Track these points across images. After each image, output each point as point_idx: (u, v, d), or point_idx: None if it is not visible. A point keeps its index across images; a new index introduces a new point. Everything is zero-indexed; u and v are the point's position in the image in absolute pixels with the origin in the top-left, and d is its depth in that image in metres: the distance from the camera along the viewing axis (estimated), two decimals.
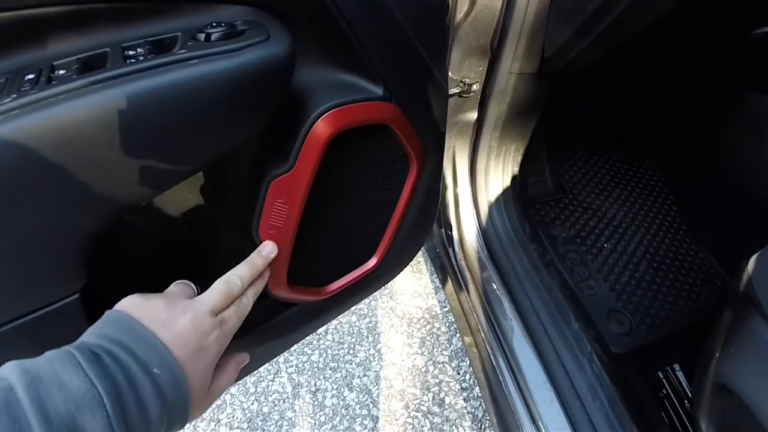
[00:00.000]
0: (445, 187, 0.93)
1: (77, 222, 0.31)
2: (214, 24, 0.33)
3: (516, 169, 0.92)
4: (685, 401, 0.71)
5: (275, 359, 1.18)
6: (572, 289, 0.83)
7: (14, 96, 0.27)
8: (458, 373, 1.16)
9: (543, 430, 0.68)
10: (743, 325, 0.51)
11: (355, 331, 1.25)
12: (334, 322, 1.27)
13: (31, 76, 0.29)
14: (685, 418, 0.69)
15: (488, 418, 1.07)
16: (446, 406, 1.11)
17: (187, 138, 0.32)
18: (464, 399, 1.11)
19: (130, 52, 0.31)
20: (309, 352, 1.21)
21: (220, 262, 0.43)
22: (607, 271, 0.91)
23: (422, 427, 1.07)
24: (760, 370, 0.48)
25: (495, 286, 0.82)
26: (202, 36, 0.32)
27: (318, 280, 0.56)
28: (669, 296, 0.87)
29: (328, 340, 1.23)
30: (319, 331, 1.24)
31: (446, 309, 1.29)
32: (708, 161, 1.03)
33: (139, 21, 0.33)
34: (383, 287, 1.31)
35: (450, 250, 0.97)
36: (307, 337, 1.22)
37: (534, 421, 0.70)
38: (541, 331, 0.72)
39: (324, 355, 1.20)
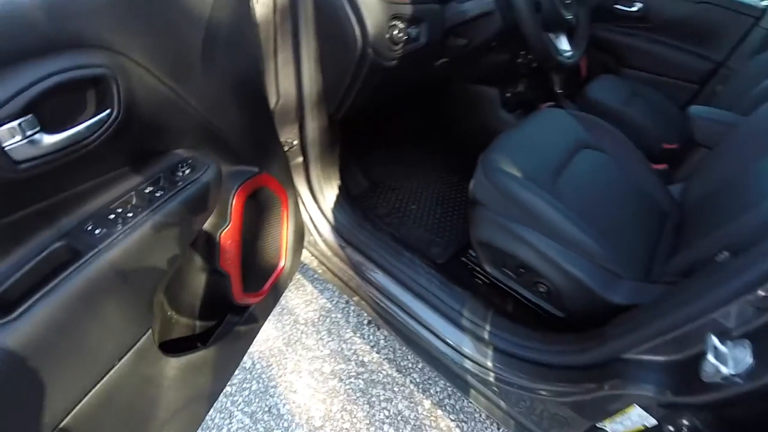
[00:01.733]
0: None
1: None
2: (180, 164, 0.73)
3: (339, 183, 1.45)
4: (479, 266, 1.34)
5: (222, 405, 1.45)
6: (400, 239, 1.39)
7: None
8: (363, 338, 1.63)
9: (420, 319, 1.21)
10: (476, 213, 1.13)
11: (276, 351, 1.60)
12: (257, 354, 1.59)
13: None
14: (483, 276, 1.33)
15: (396, 347, 1.57)
16: (367, 363, 1.57)
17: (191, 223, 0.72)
18: (376, 351, 1.59)
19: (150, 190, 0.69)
20: (247, 385, 1.51)
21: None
22: (419, 222, 1.52)
23: (358, 386, 1.51)
24: (492, 231, 1.10)
25: (355, 257, 1.32)
26: (178, 172, 0.71)
27: (257, 286, 0.97)
28: (458, 222, 1.52)
29: (258, 369, 1.55)
30: (248, 364, 1.56)
31: (334, 302, 1.74)
32: (453, 131, 1.76)
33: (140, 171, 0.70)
34: (281, 311, 1.70)
35: (318, 249, 1.44)
36: (240, 374, 1.52)
37: (413, 317, 1.22)
38: (392, 267, 1.25)
39: (261, 381, 1.52)
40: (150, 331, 0.71)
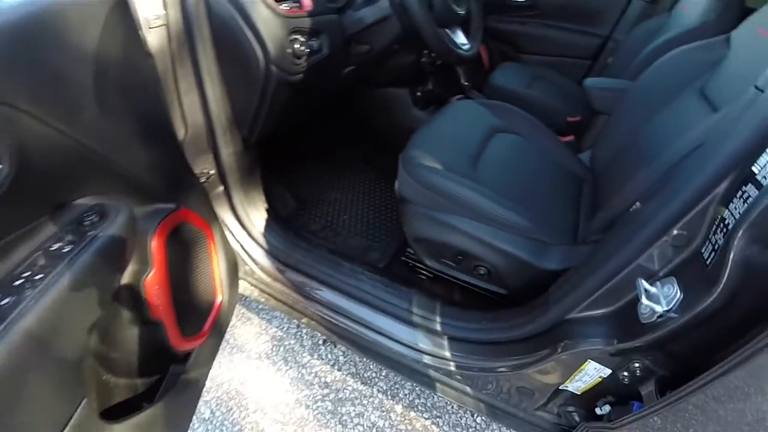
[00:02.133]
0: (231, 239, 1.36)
1: None
2: (87, 213, 0.68)
3: (266, 206, 1.42)
4: (419, 262, 1.38)
5: None
6: (337, 251, 1.40)
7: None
8: (321, 359, 1.61)
9: (373, 326, 1.22)
10: (406, 211, 1.16)
11: (234, 394, 1.53)
12: (213, 401, 1.51)
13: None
14: (425, 271, 1.37)
15: (357, 360, 1.57)
16: (330, 383, 1.55)
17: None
18: (337, 369, 1.58)
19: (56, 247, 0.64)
20: None
21: None
22: (353, 230, 1.54)
23: (326, 408, 1.48)
24: (423, 226, 1.14)
25: (296, 279, 1.31)
26: (86, 223, 0.67)
27: (196, 328, 0.93)
28: (391, 223, 1.56)
29: (218, 416, 1.47)
30: (206, 414, 1.47)
31: (284, 329, 1.70)
32: (371, 135, 1.81)
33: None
34: (230, 349, 1.63)
35: (256, 278, 1.40)
36: (200, 426, 1.44)
37: (365, 326, 1.23)
38: (335, 281, 1.26)
39: (224, 428, 1.44)
40: (84, 401, 0.65)
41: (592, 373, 0.92)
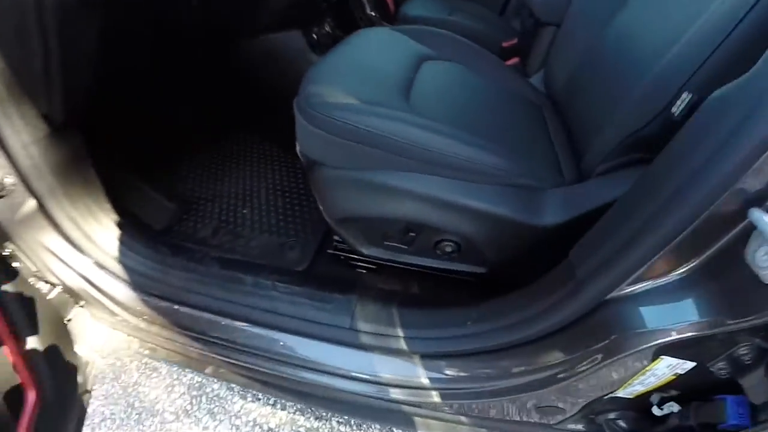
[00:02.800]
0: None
1: None
2: None
3: (116, 218, 0.94)
4: (354, 253, 0.96)
5: None
6: (238, 260, 0.96)
7: None
8: (257, 401, 1.16)
9: (306, 363, 0.80)
10: (318, 179, 0.74)
11: None
12: None
13: None
14: (365, 263, 0.97)
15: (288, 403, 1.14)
16: (275, 429, 1.11)
17: None
18: (280, 408, 1.14)
19: None
20: None
21: None
22: (259, 227, 1.09)
23: None
24: (347, 197, 0.73)
25: (181, 313, 0.85)
26: None
27: None
28: (310, 206, 1.13)
29: None
30: None
31: (199, 379, 1.23)
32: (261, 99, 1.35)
33: None
34: (137, 415, 1.14)
35: (132, 326, 0.93)
36: None
37: (294, 364, 0.81)
38: (234, 307, 0.82)
39: None
40: None
41: (662, 372, 0.57)
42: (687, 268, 0.49)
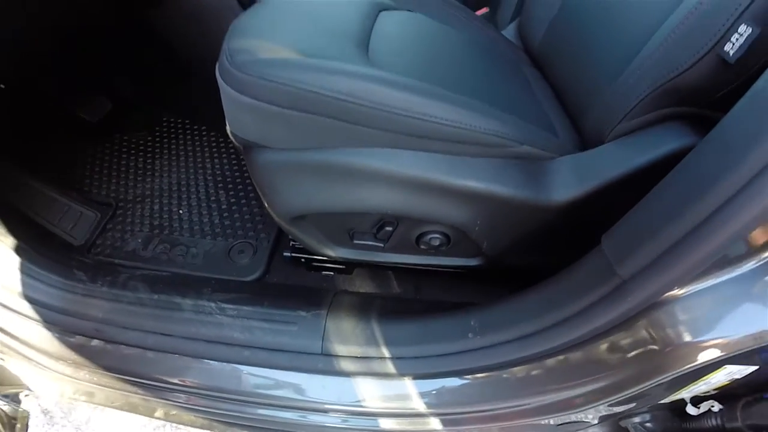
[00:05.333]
0: None
1: None
2: None
3: (22, 244, 0.72)
4: (311, 255, 0.78)
5: None
6: (175, 273, 0.76)
7: None
8: None
9: (271, 400, 0.62)
10: (257, 165, 0.55)
11: None
12: None
13: None
14: (332, 264, 0.79)
15: None
16: None
17: None
18: None
19: None
20: None
21: None
22: (200, 230, 0.89)
23: None
24: (297, 189, 0.54)
25: (113, 353, 0.66)
26: None
27: None
28: (251, 208, 0.93)
29: None
30: None
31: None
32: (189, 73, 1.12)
33: None
34: None
35: (57, 370, 0.72)
36: None
37: (262, 403, 0.63)
38: (174, 342, 0.63)
39: None
40: None
41: (719, 380, 0.44)
42: (753, 263, 0.34)
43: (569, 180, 0.53)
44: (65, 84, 0.99)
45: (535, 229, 0.56)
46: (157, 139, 1.09)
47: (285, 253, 0.74)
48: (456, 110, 0.49)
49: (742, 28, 0.39)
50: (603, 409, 0.49)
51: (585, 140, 0.61)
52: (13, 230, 0.74)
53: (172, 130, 1.11)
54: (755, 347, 0.37)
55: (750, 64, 0.41)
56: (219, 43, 0.94)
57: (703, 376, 0.41)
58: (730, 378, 0.43)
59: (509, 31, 0.99)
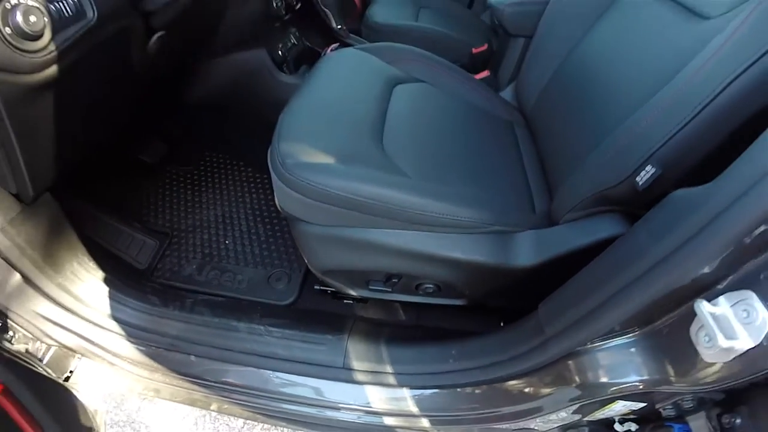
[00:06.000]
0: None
1: None
2: None
3: (102, 273, 0.92)
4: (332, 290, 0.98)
5: None
6: (230, 298, 0.97)
7: None
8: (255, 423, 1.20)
9: (303, 400, 0.83)
10: (300, 232, 0.75)
11: None
12: None
13: None
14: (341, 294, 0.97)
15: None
16: None
17: None
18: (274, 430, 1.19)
19: None
20: None
21: None
22: (243, 258, 1.09)
23: None
24: (330, 253, 0.75)
25: (177, 360, 0.87)
26: None
27: None
28: (285, 240, 1.13)
29: None
30: None
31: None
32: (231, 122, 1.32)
33: None
34: None
35: (129, 373, 0.94)
36: None
37: (294, 393, 0.84)
38: (232, 355, 0.84)
39: None
40: None
41: (619, 409, 0.63)
42: (643, 331, 0.53)
43: (530, 252, 0.72)
44: (127, 135, 1.19)
45: (504, 283, 0.76)
46: (203, 174, 1.30)
47: (315, 286, 0.95)
48: (443, 204, 0.68)
49: (649, 167, 0.57)
50: (540, 421, 0.68)
51: (551, 213, 0.79)
52: (98, 262, 0.94)
53: (215, 166, 1.32)
54: (634, 391, 0.56)
55: (655, 192, 0.59)
56: (256, 98, 1.15)
57: (604, 406, 0.61)
58: (629, 409, 0.62)
59: (507, 93, 1.16)
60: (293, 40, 1.29)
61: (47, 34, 0.60)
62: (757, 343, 0.41)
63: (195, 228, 1.17)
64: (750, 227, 0.38)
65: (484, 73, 1.22)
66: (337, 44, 1.33)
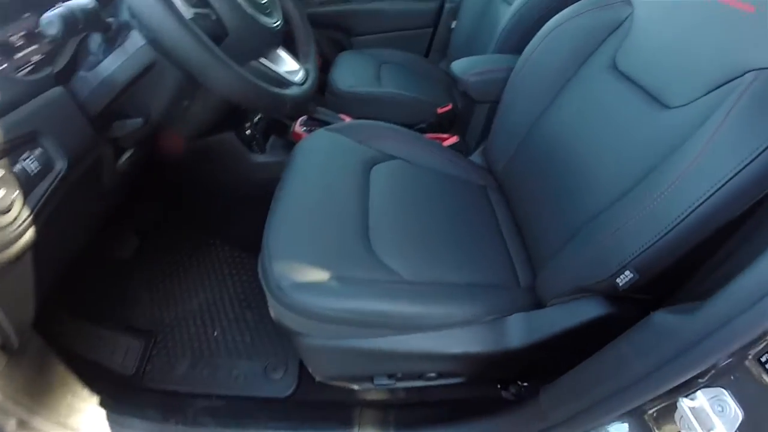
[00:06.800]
0: None
1: None
2: None
3: (96, 398, 0.88)
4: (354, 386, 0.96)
5: None
6: (231, 394, 0.96)
7: None
8: None
9: None
10: (298, 344, 0.75)
11: None
12: None
13: None
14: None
15: None
16: None
17: None
18: None
19: None
20: None
21: None
22: (234, 350, 1.08)
23: None
24: (330, 363, 0.75)
25: None
26: None
27: None
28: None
29: None
30: None
31: None
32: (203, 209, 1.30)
33: None
34: None
35: None
36: None
37: None
38: None
39: None
40: None
41: None
42: (636, 419, 0.57)
43: (522, 334, 0.74)
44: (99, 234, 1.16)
45: (499, 361, 0.78)
46: (181, 261, 1.27)
47: (317, 378, 0.95)
48: (440, 307, 0.71)
49: (627, 273, 0.61)
50: None
51: (537, 293, 0.82)
52: (91, 385, 0.90)
53: (192, 250, 1.29)
54: None
55: (633, 291, 0.63)
56: (229, 177, 1.12)
57: None
58: None
59: (477, 156, 1.19)
60: (257, 118, 1.29)
61: (17, 203, 0.58)
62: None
63: (179, 321, 1.14)
64: (724, 355, 0.42)
65: (453, 139, 1.26)
66: (305, 116, 1.33)
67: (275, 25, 0.91)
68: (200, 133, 1.14)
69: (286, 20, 1.01)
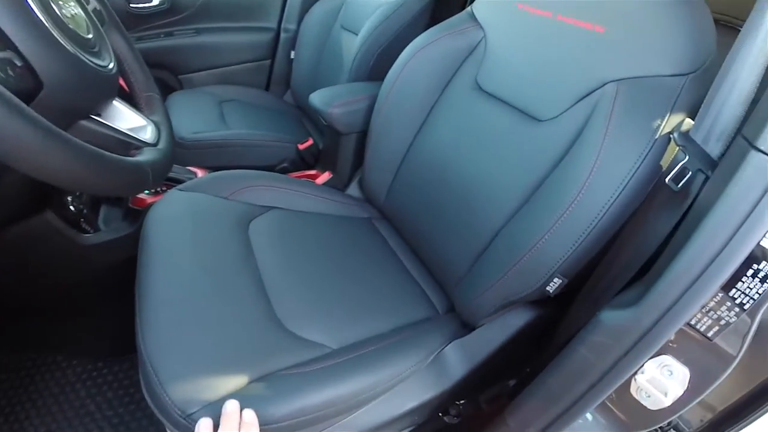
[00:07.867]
0: None
1: None
2: None
3: None
4: None
5: None
6: None
7: None
8: None
9: None
10: None
11: None
12: None
13: None
14: None
15: None
16: None
17: None
18: None
19: None
20: None
21: None
22: None
23: None
24: None
25: None
26: None
27: None
28: None
29: None
30: None
31: None
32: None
33: None
34: None
35: None
36: None
37: None
38: None
39: None
40: None
41: None
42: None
43: (462, 363, 0.73)
44: None
45: (453, 391, 0.75)
46: (19, 397, 0.91)
47: None
48: (376, 374, 0.64)
49: (556, 279, 0.63)
50: None
51: (463, 318, 0.81)
52: None
53: (32, 378, 0.94)
54: None
55: (562, 298, 0.67)
56: (52, 268, 0.87)
57: None
58: None
59: (354, 188, 1.13)
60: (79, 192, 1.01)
61: None
62: (684, 389, 0.49)
63: None
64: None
65: (326, 175, 1.19)
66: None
67: (109, 67, 0.63)
68: (4, 220, 0.83)
69: (118, 60, 0.76)
